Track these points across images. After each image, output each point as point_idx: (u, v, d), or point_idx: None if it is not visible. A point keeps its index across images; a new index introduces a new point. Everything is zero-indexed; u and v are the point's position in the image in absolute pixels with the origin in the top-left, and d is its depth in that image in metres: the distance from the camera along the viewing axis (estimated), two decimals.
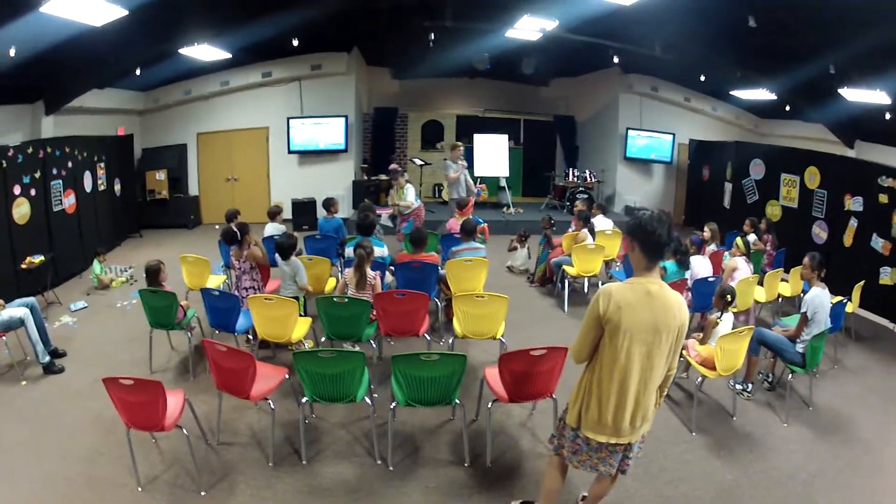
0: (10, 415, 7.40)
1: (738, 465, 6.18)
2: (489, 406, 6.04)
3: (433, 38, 14.59)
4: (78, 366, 8.73)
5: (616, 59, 15.46)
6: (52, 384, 8.27)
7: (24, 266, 11.37)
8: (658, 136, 19.25)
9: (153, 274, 8.27)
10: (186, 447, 5.91)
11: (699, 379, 6.97)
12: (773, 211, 14.33)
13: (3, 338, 8.49)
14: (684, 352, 6.40)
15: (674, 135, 19.33)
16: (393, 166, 14.75)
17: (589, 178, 18.17)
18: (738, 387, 7.54)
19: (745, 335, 6.77)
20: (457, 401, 5.92)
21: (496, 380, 5.96)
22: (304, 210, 18.24)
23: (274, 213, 12.12)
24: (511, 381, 5.69)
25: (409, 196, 13.80)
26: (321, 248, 10.48)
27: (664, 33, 13.17)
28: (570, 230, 11.99)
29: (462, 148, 15.16)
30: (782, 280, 10.62)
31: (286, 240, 8.69)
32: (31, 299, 8.96)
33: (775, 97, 16.21)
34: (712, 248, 10.89)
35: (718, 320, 7.29)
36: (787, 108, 17.81)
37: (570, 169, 19.26)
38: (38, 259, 11.62)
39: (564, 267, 10.95)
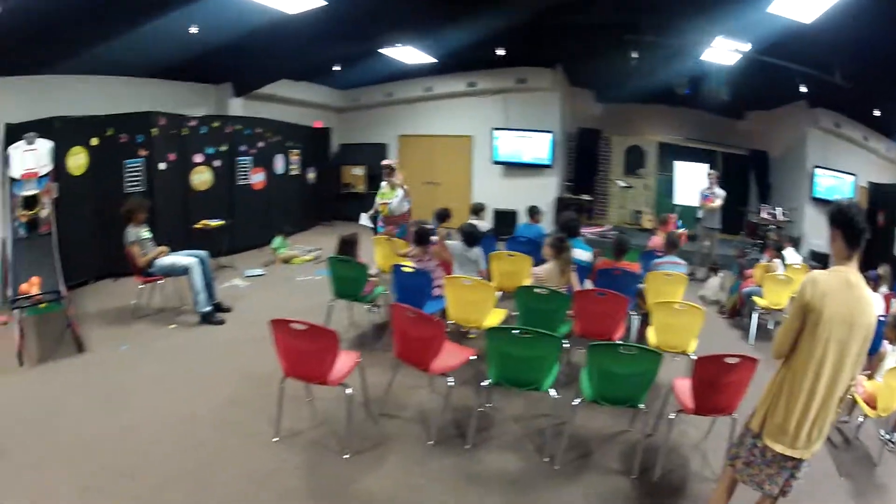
0: (148, 352, 7.71)
1: None
2: (671, 417, 5.49)
3: (635, 55, 13.93)
4: (239, 323, 8.85)
5: (804, 89, 14.48)
6: (204, 333, 8.46)
7: (198, 226, 11.67)
8: (841, 177, 17.73)
9: (349, 244, 8.32)
10: (342, 410, 5.74)
11: (860, 419, 6.46)
12: None
13: (161, 282, 8.78)
14: (851, 390, 5.76)
15: (855, 176, 17.92)
16: (386, 161, 12.71)
17: (780, 217, 17.13)
18: (886, 436, 6.79)
19: None
20: (642, 405, 5.41)
21: (684, 389, 5.42)
22: (504, 220, 17.76)
23: (477, 210, 12.09)
24: (700, 388, 5.18)
25: (400, 193, 12.08)
26: (523, 249, 10.02)
27: (844, 58, 12.25)
28: (762, 260, 11.28)
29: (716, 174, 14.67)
30: None
31: (473, 229, 8.57)
32: (202, 252, 9.09)
33: None
34: (883, 289, 10.17)
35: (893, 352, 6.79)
36: None
37: (763, 206, 18.18)
38: (214, 222, 11.91)
39: (754, 297, 10.21)
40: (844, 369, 3.82)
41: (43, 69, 10.34)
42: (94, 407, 6.12)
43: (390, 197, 11.81)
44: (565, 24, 13.01)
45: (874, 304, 3.86)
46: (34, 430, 5.60)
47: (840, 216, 3.87)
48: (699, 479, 5.47)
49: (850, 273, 3.83)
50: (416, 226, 8.50)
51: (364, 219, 11.98)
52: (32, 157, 8.27)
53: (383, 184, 12.01)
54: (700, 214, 14.35)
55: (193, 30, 10.00)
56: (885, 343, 6.89)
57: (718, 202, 13.90)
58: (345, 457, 5.35)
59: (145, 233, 8.75)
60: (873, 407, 6.06)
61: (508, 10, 11.37)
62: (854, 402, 6.58)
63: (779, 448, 3.95)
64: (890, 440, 6.70)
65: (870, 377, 6.65)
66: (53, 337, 7.91)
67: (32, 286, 7.54)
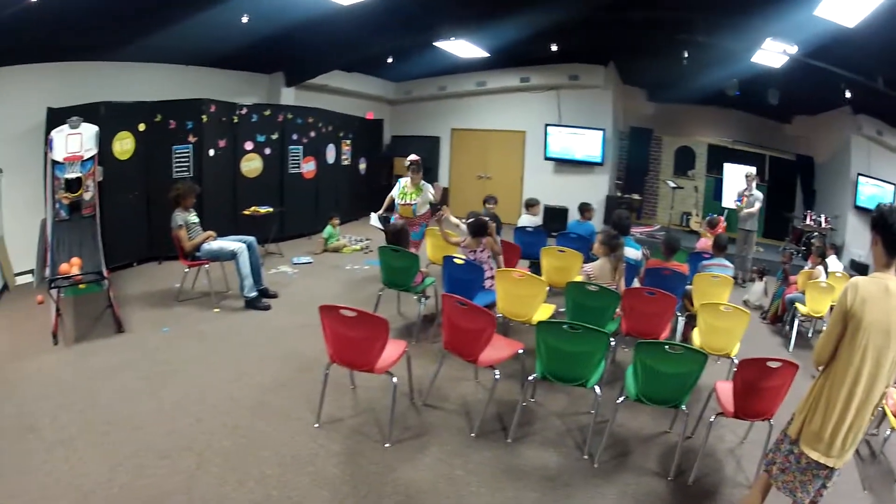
0: (190, 335, 7.80)
1: None
2: (711, 420, 5.44)
3: (686, 56, 13.80)
4: (285, 309, 8.91)
5: (848, 94, 14.28)
6: (249, 318, 8.56)
7: (246, 212, 11.81)
8: (883, 186, 17.02)
9: (400, 234, 8.34)
10: (385, 398, 5.83)
11: (888, 432, 6.27)
12: None
13: (206, 266, 8.84)
14: (883, 401, 5.70)
15: (895, 185, 17.52)
16: (414, 157, 10.78)
17: (823, 224, 16.87)
18: None
19: None
20: (684, 407, 5.38)
21: (726, 392, 5.43)
22: (555, 216, 17.53)
23: (530, 205, 12.03)
24: (741, 391, 5.14)
25: (428, 196, 10.63)
26: (573, 245, 10.09)
27: (886, 64, 12.03)
28: (807, 266, 11.08)
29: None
30: None
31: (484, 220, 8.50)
32: (250, 238, 9.16)
33: None
34: None
35: None
36: None
37: (808, 212, 17.74)
38: (263, 209, 12.05)
39: (797, 304, 10.06)
40: (881, 377, 3.81)
41: (89, 56, 10.52)
42: (131, 387, 6.20)
43: (415, 197, 10.46)
44: (619, 21, 12.98)
45: None
46: (66, 408, 5.68)
47: (881, 220, 3.85)
48: (733, 485, 5.45)
49: (889, 280, 3.80)
50: (472, 216, 8.41)
51: (374, 219, 10.91)
52: (76, 140, 8.33)
53: (404, 181, 10.64)
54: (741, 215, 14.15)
55: (244, 19, 10.07)
56: None
57: (757, 205, 13.73)
58: (385, 446, 5.35)
59: (193, 217, 8.86)
60: None
61: (562, 4, 11.32)
62: (883, 415, 6.48)
63: (814, 455, 3.97)
64: None
65: None
66: (92, 317, 8.03)
67: (73, 266, 7.65)
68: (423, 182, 10.59)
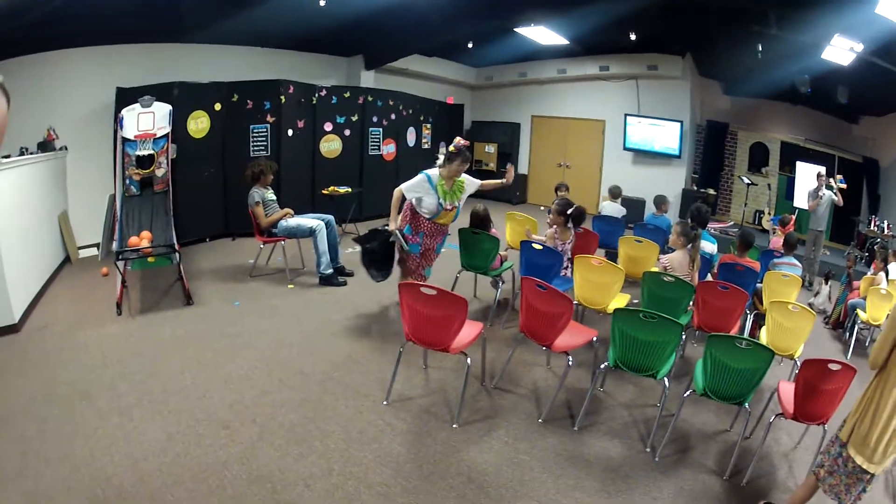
0: (262, 309, 7.90)
1: None
2: (771, 421, 5.37)
3: (760, 49, 13.57)
4: (360, 288, 8.90)
5: None
6: (323, 294, 8.59)
7: (325, 192, 11.85)
8: None
9: (481, 218, 8.25)
10: (457, 380, 5.91)
11: None
12: None
13: (283, 243, 8.89)
14: None
15: None
16: (462, 141, 7.32)
17: (886, 231, 16.41)
18: None
19: None
20: (747, 405, 5.33)
21: (787, 393, 5.33)
22: (632, 208, 16.65)
23: (615, 194, 12.03)
24: (802, 391, 5.06)
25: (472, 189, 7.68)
26: (650, 236, 9.94)
27: None
28: (869, 272, 10.90)
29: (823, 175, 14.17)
30: None
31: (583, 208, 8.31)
32: (329, 216, 9.21)
33: None
34: None
35: None
36: None
37: (873, 217, 17.25)
38: (342, 189, 12.07)
39: (857, 310, 9.82)
40: None
41: (163, 38, 10.75)
42: (196, 358, 6.28)
43: (459, 196, 7.48)
44: (692, 8, 12.83)
45: None
46: (126, 377, 5.79)
47: None
48: (783, 489, 5.37)
49: None
50: (567, 206, 8.02)
51: (405, 246, 7.48)
52: (148, 118, 8.46)
53: (435, 175, 7.48)
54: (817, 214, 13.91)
55: (322, 2, 10.07)
56: None
57: (827, 205, 13.54)
58: (453, 427, 5.34)
59: (270, 194, 8.97)
60: None
61: None
62: None
63: (859, 460, 3.94)
64: None
65: None
66: (161, 291, 8.19)
67: (143, 240, 7.75)
68: (466, 177, 7.57)
